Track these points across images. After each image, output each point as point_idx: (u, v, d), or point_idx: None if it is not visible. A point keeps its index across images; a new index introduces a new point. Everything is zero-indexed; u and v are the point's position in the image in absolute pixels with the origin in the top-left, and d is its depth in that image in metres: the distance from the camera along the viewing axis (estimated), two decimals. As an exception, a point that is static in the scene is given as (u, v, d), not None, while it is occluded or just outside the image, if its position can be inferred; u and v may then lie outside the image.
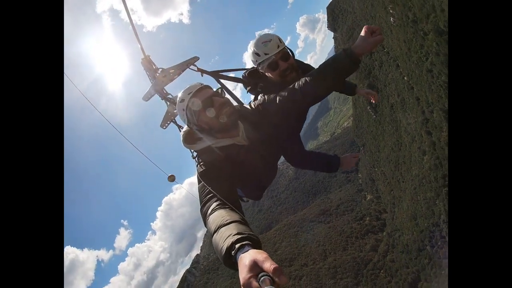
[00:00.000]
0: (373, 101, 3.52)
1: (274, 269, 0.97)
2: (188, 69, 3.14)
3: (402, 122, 61.06)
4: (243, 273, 1.03)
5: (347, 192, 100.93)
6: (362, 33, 1.97)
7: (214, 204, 1.69)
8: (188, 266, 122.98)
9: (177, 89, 2.27)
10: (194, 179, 2.08)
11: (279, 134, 2.40)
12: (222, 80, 3.15)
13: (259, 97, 2.43)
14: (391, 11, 54.21)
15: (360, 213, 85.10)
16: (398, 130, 63.36)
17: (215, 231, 1.45)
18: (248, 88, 2.88)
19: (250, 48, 2.68)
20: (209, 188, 1.81)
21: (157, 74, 3.10)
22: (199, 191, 1.93)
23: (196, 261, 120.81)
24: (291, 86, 2.15)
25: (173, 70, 3.10)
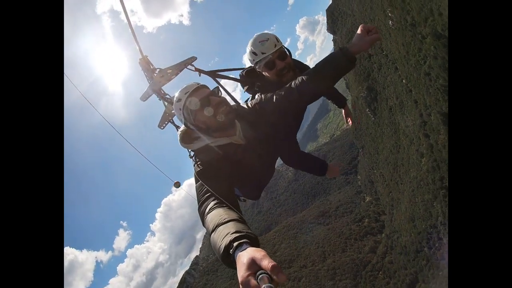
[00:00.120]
0: (347, 124, 3.77)
1: (272, 267, 0.97)
2: (185, 69, 3.16)
3: (400, 125, 61.37)
4: (241, 271, 1.03)
5: (346, 194, 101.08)
6: (358, 31, 1.99)
7: (212, 203, 1.70)
8: (187, 268, 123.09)
9: (175, 89, 2.28)
10: (193, 180, 2.06)
11: (277, 133, 2.40)
12: (220, 80, 3.19)
13: (256, 96, 2.45)
14: (389, 14, 54.62)
15: (359, 214, 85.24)
16: (397, 133, 63.65)
17: (213, 230, 1.45)
18: (245, 88, 2.90)
19: (248, 47, 2.67)
20: (207, 187, 1.81)
21: (155, 75, 3.09)
22: (196, 191, 1.93)
23: (195, 263, 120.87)
24: (288, 85, 2.15)
25: (170, 70, 3.10)
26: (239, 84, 3.02)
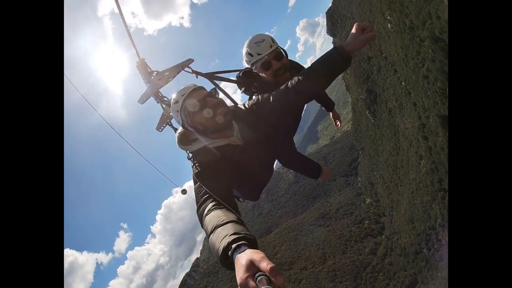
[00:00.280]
0: (337, 124, 3.89)
1: (271, 268, 0.97)
2: (183, 71, 3.16)
3: (400, 127, 61.60)
4: (240, 273, 1.03)
5: (347, 196, 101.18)
6: (353, 30, 1.98)
7: (210, 205, 1.69)
8: (187, 270, 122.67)
9: (173, 91, 2.26)
10: (192, 182, 2.06)
11: (274, 133, 2.41)
12: (220, 83, 3.20)
13: (253, 97, 2.44)
14: (388, 17, 54.99)
15: (359, 216, 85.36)
16: (396, 135, 63.87)
17: (211, 232, 1.45)
18: (242, 89, 2.88)
19: (244, 48, 2.69)
20: (205, 188, 1.81)
21: (152, 77, 3.10)
22: (195, 192, 1.92)
23: (196, 265, 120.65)
24: (284, 85, 2.16)
25: (168, 73, 3.10)
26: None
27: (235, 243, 1.21)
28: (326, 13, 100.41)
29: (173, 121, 3.31)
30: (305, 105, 2.60)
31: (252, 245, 1.22)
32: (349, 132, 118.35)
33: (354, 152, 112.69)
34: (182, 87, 2.15)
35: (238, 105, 2.46)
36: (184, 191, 2.51)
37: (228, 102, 2.52)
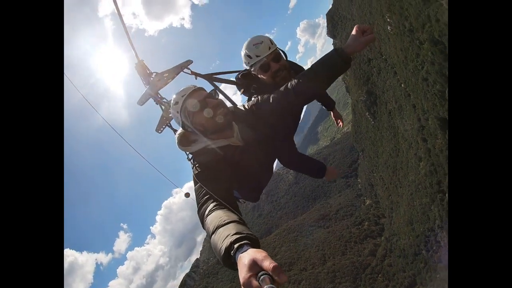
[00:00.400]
0: (339, 125, 3.74)
1: (274, 267, 0.97)
2: (182, 73, 3.14)
3: (399, 129, 61.76)
4: (242, 273, 1.03)
5: (347, 197, 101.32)
6: (353, 32, 1.99)
7: (211, 205, 1.69)
8: (187, 271, 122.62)
9: (172, 93, 2.27)
10: (192, 183, 2.05)
11: (274, 134, 2.41)
12: (220, 85, 3.22)
13: (252, 98, 2.42)
14: (388, 19, 55.24)
15: (359, 218, 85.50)
16: (396, 136, 64.03)
17: (213, 232, 1.45)
18: (241, 90, 2.88)
19: (242, 50, 2.68)
20: (206, 189, 1.81)
21: (151, 79, 3.08)
22: (195, 193, 1.92)
23: (195, 265, 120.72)
24: (284, 86, 2.16)
25: (167, 74, 3.09)
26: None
27: (237, 242, 1.21)
28: (326, 14, 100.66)
29: (173, 122, 3.28)
30: (305, 106, 2.60)
31: (255, 244, 1.21)
32: (349, 134, 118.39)
33: (354, 153, 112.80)
34: (182, 88, 2.16)
35: (238, 106, 2.46)
36: (187, 195, 2.50)
37: (228, 104, 2.52)
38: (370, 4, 64.55)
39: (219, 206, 1.67)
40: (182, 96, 2.09)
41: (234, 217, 1.49)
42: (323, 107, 3.70)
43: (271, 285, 0.94)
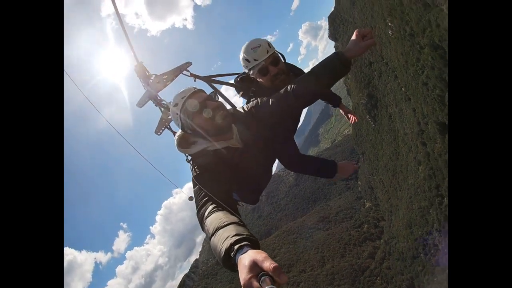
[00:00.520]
0: (352, 122, 3.56)
1: (274, 268, 0.97)
2: (182, 75, 3.15)
3: (399, 132, 62.00)
4: (243, 274, 1.03)
5: (347, 200, 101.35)
6: (353, 37, 1.98)
7: (211, 207, 1.68)
8: (186, 271, 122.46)
9: (171, 95, 2.26)
10: (192, 185, 2.03)
11: (273, 136, 2.41)
12: (221, 88, 3.19)
13: (251, 101, 2.42)
14: (389, 23, 55.53)
15: (359, 220, 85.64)
16: (396, 140, 64.26)
17: (213, 234, 1.45)
18: (240, 93, 2.88)
19: (240, 54, 2.66)
20: (205, 191, 1.81)
21: (151, 81, 3.07)
22: (194, 195, 1.92)
23: (195, 266, 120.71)
24: (283, 88, 2.15)
25: (166, 76, 3.08)
26: None
27: (237, 244, 1.21)
28: (328, 17, 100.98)
29: (172, 124, 3.25)
30: (307, 107, 2.53)
31: (255, 246, 1.22)
32: (350, 136, 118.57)
33: (355, 156, 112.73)
34: (182, 90, 2.17)
35: (237, 108, 2.46)
36: (191, 198, 2.47)
37: (227, 106, 2.57)
38: (371, 7, 64.90)
39: (218, 208, 1.67)
40: (182, 98, 2.09)
41: (233, 218, 1.49)
42: (329, 104, 3.64)
43: (272, 286, 0.95)
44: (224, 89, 3.38)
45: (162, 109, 3.25)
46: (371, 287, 64.88)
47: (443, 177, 47.68)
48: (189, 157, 2.18)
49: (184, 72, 3.14)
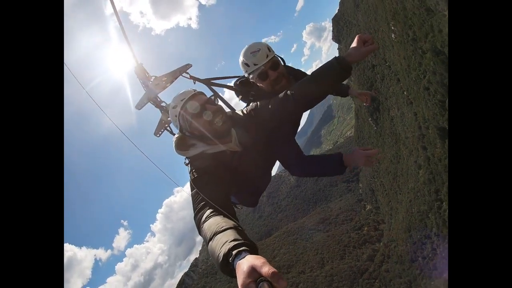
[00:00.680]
0: (366, 104, 3.44)
1: (273, 273, 0.96)
2: (181, 76, 3.13)
3: (401, 136, 62.10)
4: (241, 279, 1.02)
5: (347, 202, 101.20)
6: (354, 43, 2.00)
7: (208, 212, 1.67)
8: (186, 270, 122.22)
9: (171, 97, 2.24)
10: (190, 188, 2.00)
11: (272, 139, 2.40)
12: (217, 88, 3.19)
13: (251, 104, 2.41)
14: (392, 27, 55.71)
15: (359, 223, 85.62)
16: (398, 143, 64.36)
17: (210, 239, 1.44)
18: (240, 97, 2.87)
19: (240, 58, 2.64)
20: (202, 195, 1.79)
21: (150, 82, 3.06)
22: (192, 199, 1.89)
23: (194, 265, 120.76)
24: (283, 92, 2.14)
25: (165, 78, 3.06)
26: None
27: (236, 249, 1.20)
28: (332, 19, 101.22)
29: (172, 126, 3.25)
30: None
31: (253, 251, 1.21)
32: (352, 138, 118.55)
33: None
34: (182, 92, 2.16)
35: (236, 111, 2.44)
36: None
37: (226, 109, 2.53)
38: (375, 11, 65.10)
39: (216, 212, 1.66)
40: (181, 100, 2.09)
41: (231, 223, 1.48)
42: (339, 96, 3.57)
43: None
44: (226, 92, 3.26)
45: (162, 111, 3.27)
46: (369, 290, 64.98)
47: (442, 182, 47.87)
48: (187, 160, 2.17)
49: (184, 74, 3.13)
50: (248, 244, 1.24)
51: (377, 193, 79.41)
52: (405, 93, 57.55)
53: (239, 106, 2.86)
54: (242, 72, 2.76)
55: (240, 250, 1.19)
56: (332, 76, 2.02)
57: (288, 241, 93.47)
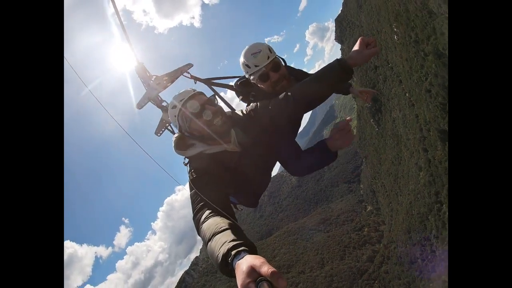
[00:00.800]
0: (366, 102, 3.39)
1: (272, 273, 0.96)
2: (182, 76, 3.12)
3: (402, 137, 62.10)
4: (241, 279, 1.02)
5: (348, 202, 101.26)
6: (356, 45, 1.97)
7: (207, 212, 1.67)
8: (186, 268, 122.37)
9: (172, 96, 2.22)
10: (189, 188, 1.98)
11: (271, 140, 2.36)
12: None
13: (251, 105, 2.37)
14: (395, 29, 55.71)
15: (360, 223, 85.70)
16: (399, 144, 64.36)
17: (209, 239, 1.44)
18: (240, 97, 2.84)
19: (240, 59, 2.60)
20: (201, 196, 1.79)
21: (151, 81, 3.04)
22: (191, 199, 1.88)
23: (195, 263, 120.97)
24: (284, 93, 2.12)
25: (166, 78, 3.06)
26: None
27: (235, 249, 1.21)
28: (335, 20, 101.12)
29: (172, 125, 3.19)
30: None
31: (252, 251, 1.22)
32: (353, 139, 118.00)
33: (358, 159, 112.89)
34: (181, 91, 2.15)
35: (236, 111, 2.42)
36: None
37: (226, 109, 2.50)
38: (378, 12, 65.07)
39: (215, 213, 1.66)
40: (181, 101, 2.07)
41: (230, 224, 1.49)
42: (341, 93, 3.54)
43: None
44: (228, 91, 3.27)
45: (163, 110, 3.24)
46: (369, 291, 65.04)
47: (442, 184, 47.90)
48: (187, 160, 2.16)
49: (185, 73, 3.13)
50: (247, 244, 1.25)
51: (378, 194, 79.45)
52: (407, 94, 57.55)
53: (240, 106, 2.82)
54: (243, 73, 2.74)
55: (239, 250, 1.19)
56: (333, 78, 2.00)
57: (288, 241, 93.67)
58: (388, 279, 62.59)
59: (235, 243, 1.24)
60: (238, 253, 1.19)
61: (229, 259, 1.20)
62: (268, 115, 2.16)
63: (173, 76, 3.10)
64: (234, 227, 1.44)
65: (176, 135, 2.23)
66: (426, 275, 51.32)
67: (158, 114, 3.32)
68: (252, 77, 2.62)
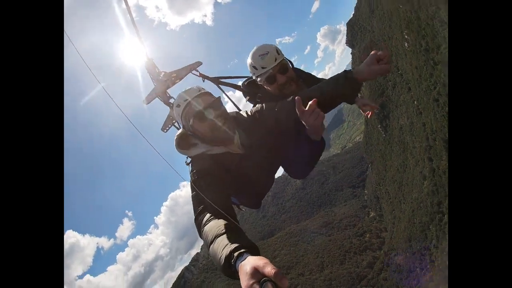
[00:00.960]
0: (368, 116, 3.06)
1: (275, 273, 0.97)
2: (191, 73, 3.13)
3: (408, 145, 61.80)
4: (244, 281, 1.02)
5: (352, 207, 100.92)
6: (369, 58, 1.90)
7: (209, 214, 1.66)
8: (186, 264, 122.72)
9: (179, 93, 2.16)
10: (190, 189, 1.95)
11: (277, 142, 2.30)
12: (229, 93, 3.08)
13: (256, 106, 2.35)
14: (406, 36, 55.46)
15: (362, 229, 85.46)
16: (405, 152, 64.04)
17: (211, 241, 1.44)
18: (247, 98, 2.83)
19: (248, 60, 2.58)
20: (203, 197, 1.77)
21: (160, 77, 3.03)
22: (192, 200, 1.88)
23: (195, 259, 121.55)
24: (291, 98, 2.08)
25: (175, 75, 3.05)
26: None
27: (237, 251, 1.21)
28: (347, 24, 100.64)
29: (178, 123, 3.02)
30: None
31: (254, 252, 1.22)
32: (360, 143, 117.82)
33: (364, 164, 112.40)
34: (187, 89, 2.11)
35: (240, 112, 2.38)
36: None
37: (231, 109, 2.47)
38: (390, 18, 64.72)
39: (217, 214, 1.65)
40: (185, 100, 2.04)
41: (232, 225, 1.49)
42: (345, 102, 3.06)
43: None
44: (236, 91, 3.27)
45: (170, 107, 3.22)
46: (366, 297, 64.90)
47: (445, 194, 47.66)
48: (189, 159, 2.15)
49: (194, 71, 3.12)
50: (249, 245, 1.26)
51: (382, 200, 79.06)
52: (415, 102, 57.26)
53: (248, 106, 2.80)
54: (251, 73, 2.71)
55: (241, 252, 1.20)
56: (340, 92, 2.00)
57: (289, 242, 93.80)
58: (386, 286, 62.34)
59: (237, 244, 1.25)
60: (240, 254, 1.19)
61: (232, 261, 1.20)
62: (273, 118, 2.15)
63: (182, 73, 3.11)
64: (236, 229, 1.46)
65: (178, 132, 2.21)
66: (424, 285, 51.10)
67: (165, 110, 3.31)
68: (259, 79, 2.60)
